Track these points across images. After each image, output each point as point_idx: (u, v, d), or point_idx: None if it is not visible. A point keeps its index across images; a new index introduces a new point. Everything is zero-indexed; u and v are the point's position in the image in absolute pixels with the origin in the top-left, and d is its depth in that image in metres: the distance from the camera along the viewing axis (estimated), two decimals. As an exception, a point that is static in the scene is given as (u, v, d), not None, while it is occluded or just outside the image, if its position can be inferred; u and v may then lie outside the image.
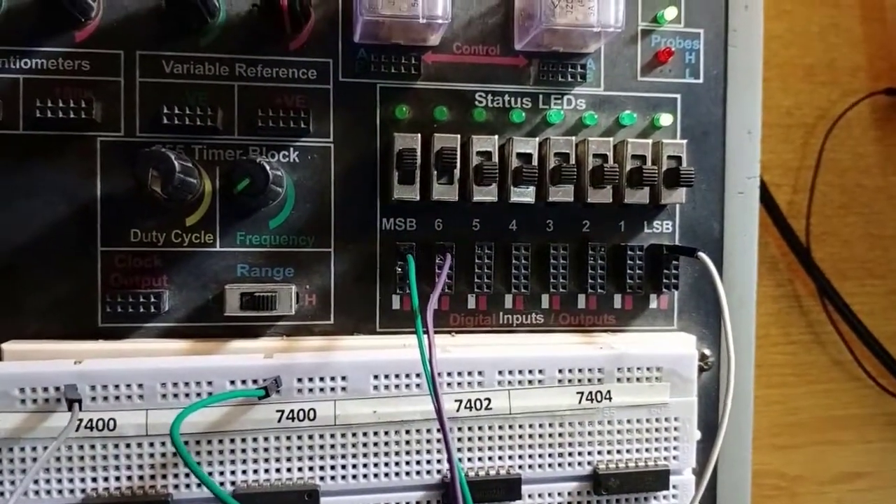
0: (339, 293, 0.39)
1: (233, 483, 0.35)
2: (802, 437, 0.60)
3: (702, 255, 0.38)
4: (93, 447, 0.34)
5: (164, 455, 0.34)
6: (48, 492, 0.34)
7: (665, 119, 0.41)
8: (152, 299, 0.36)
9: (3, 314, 0.36)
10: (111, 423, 0.34)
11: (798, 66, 0.62)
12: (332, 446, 0.36)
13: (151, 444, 0.34)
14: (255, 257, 0.38)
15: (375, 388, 0.36)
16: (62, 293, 0.36)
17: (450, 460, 0.30)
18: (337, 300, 0.39)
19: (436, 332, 0.37)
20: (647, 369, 0.38)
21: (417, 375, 0.36)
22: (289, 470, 0.35)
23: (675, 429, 0.39)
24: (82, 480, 0.34)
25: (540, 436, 0.38)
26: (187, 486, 0.35)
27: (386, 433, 0.36)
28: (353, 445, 0.36)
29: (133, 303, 0.36)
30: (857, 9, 0.64)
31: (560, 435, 0.38)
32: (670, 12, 0.41)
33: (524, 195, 0.38)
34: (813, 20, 0.62)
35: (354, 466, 0.36)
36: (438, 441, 0.37)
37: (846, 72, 0.63)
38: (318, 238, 0.38)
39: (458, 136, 0.37)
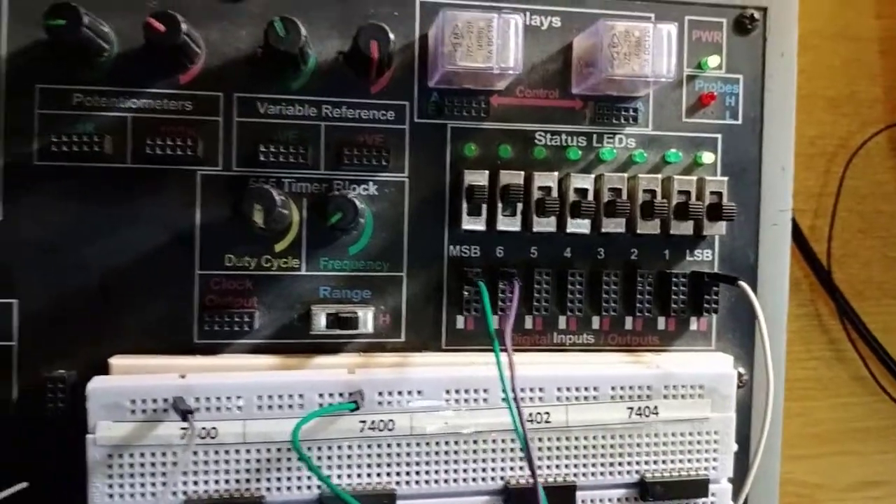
0: (409, 313, 0.42)
1: (318, 487, 0.39)
2: (823, 447, 0.64)
3: (742, 283, 0.42)
4: (195, 453, 0.38)
5: (258, 461, 0.38)
6: (153, 494, 0.37)
7: (707, 157, 0.45)
8: (245, 318, 0.40)
9: (109, 332, 0.40)
10: (213, 431, 0.37)
11: (821, 97, 0.66)
12: (408, 454, 0.39)
13: (248, 451, 0.38)
14: (336, 280, 0.42)
15: (447, 401, 0.40)
16: (162, 312, 0.40)
17: (531, 468, 0.34)
18: (408, 320, 0.42)
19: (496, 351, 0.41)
20: (691, 387, 0.42)
21: (485, 391, 0.40)
22: (369, 475, 0.39)
23: (715, 441, 0.43)
24: (185, 484, 0.38)
25: (593, 447, 0.41)
26: (279, 489, 0.38)
27: (456, 442, 0.40)
28: (427, 454, 0.40)
29: (228, 321, 0.40)
30: (876, 43, 0.67)
31: (612, 446, 0.41)
32: (713, 60, 0.44)
33: (580, 226, 0.42)
34: (837, 53, 0.65)
35: (427, 473, 0.40)
36: (503, 451, 0.40)
37: (866, 104, 0.67)
38: (392, 263, 0.42)
39: (522, 172, 0.41)
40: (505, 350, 0.35)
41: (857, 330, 0.64)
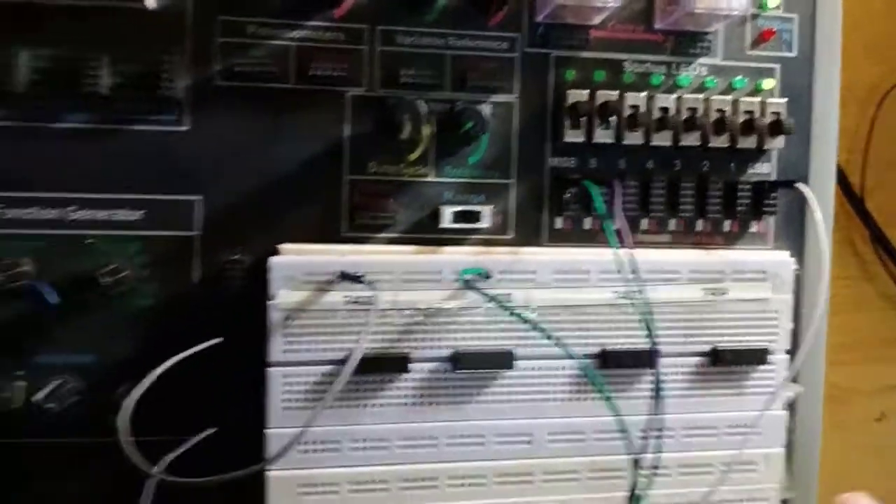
0: (516, 215, 0.51)
1: (452, 347, 0.47)
2: (854, 354, 0.72)
3: (800, 185, 0.50)
4: (355, 317, 0.46)
5: (405, 324, 0.47)
6: (322, 350, 0.46)
7: (767, 84, 0.52)
8: (385, 215, 0.49)
9: (275, 225, 0.48)
10: (371, 300, 0.46)
11: (856, 44, 0.73)
12: (523, 321, 0.48)
13: (398, 315, 0.46)
14: (458, 186, 0.50)
15: (555, 280, 0.48)
16: (317, 209, 0.49)
17: (650, 333, 0.43)
18: (515, 220, 0.51)
19: (586, 246, 0.50)
20: (755, 272, 0.50)
21: (586, 272, 0.48)
22: (492, 339, 0.48)
23: (774, 319, 0.51)
24: (346, 342, 0.46)
25: (674, 320, 0.50)
26: (421, 347, 0.47)
27: (562, 313, 0.48)
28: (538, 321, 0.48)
29: (372, 217, 0.48)
30: (905, -4, 0.75)
31: (689, 320, 0.50)
32: (773, 0, 0.52)
33: (663, 138, 0.50)
34: (874, 4, 0.73)
35: (538, 337, 0.48)
36: (599, 322, 0.49)
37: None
38: (502, 172, 0.50)
39: (617, 92, 0.49)
40: (620, 236, 0.44)
41: (888, 253, 0.72)
